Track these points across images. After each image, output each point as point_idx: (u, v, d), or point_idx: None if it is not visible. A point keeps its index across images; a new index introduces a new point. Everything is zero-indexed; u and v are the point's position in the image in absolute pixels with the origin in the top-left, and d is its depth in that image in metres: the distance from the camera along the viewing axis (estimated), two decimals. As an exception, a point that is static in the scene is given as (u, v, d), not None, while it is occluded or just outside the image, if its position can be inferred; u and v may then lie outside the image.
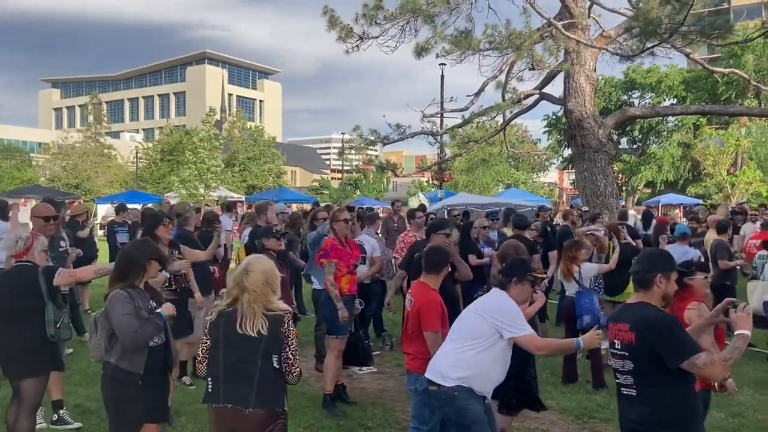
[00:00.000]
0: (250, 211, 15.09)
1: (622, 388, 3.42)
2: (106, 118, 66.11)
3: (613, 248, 8.47)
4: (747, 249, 10.64)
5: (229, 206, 15.27)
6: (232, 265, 9.72)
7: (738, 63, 34.93)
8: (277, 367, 3.45)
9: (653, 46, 12.42)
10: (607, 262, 8.28)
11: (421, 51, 14.49)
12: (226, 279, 8.13)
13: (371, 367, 7.65)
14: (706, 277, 4.62)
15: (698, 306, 4.32)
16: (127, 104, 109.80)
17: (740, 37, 18.03)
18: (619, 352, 3.39)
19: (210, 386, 3.51)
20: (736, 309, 3.40)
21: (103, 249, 12.56)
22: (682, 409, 3.28)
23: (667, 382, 3.23)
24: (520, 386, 4.69)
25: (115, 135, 78.85)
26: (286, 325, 3.48)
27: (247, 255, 8.57)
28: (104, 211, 27.75)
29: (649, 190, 45.49)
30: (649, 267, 3.45)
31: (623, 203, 31.78)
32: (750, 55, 37.31)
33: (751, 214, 15.74)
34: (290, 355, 3.48)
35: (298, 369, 3.53)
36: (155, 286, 4.46)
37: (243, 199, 37.27)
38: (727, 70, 18.86)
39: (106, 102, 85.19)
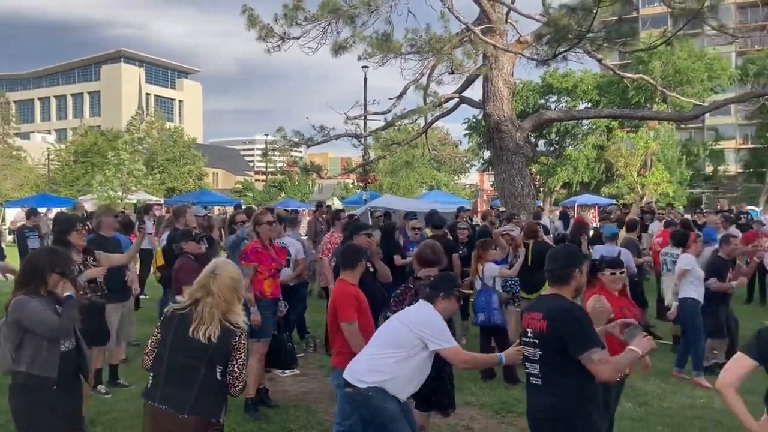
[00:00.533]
0: (168, 214, 14.76)
1: (531, 378, 3.55)
2: (14, 119, 63.01)
3: (532, 251, 8.68)
4: (653, 246, 11.24)
5: (146, 209, 14.88)
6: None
7: (646, 69, 36.63)
8: (220, 378, 3.41)
9: (564, 51, 12.92)
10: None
11: (338, 49, 14.53)
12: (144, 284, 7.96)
13: (294, 370, 7.62)
14: (614, 273, 4.80)
15: (598, 298, 4.55)
16: (37, 104, 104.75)
17: (645, 44, 18.99)
18: (530, 340, 3.52)
19: (150, 382, 3.47)
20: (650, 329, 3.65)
21: (12, 255, 11.99)
22: (584, 399, 3.40)
23: (572, 372, 3.35)
24: (437, 386, 4.79)
25: (25, 136, 75.22)
26: (238, 338, 3.45)
27: (165, 259, 8.41)
28: (13, 215, 26.44)
29: (565, 191, 47.07)
30: (567, 263, 3.61)
31: (541, 204, 32.83)
32: (657, 61, 39.24)
33: (659, 213, 16.56)
34: (236, 369, 3.46)
35: (242, 383, 3.51)
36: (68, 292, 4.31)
37: (162, 202, 36.29)
38: (636, 75, 19.78)
39: (15, 101, 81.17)
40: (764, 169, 48.88)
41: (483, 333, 7.79)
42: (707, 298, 7.70)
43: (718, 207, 20.86)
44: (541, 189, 45.59)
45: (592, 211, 35.89)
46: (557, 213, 22.59)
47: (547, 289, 3.73)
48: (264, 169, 72.04)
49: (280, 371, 7.46)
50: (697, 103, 21.70)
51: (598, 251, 8.68)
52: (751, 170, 52.38)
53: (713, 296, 7.80)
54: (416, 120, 17.90)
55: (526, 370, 3.60)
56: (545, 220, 14.75)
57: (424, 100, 16.04)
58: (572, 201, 35.72)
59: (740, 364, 3.16)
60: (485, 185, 65.63)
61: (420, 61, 14.88)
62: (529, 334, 3.54)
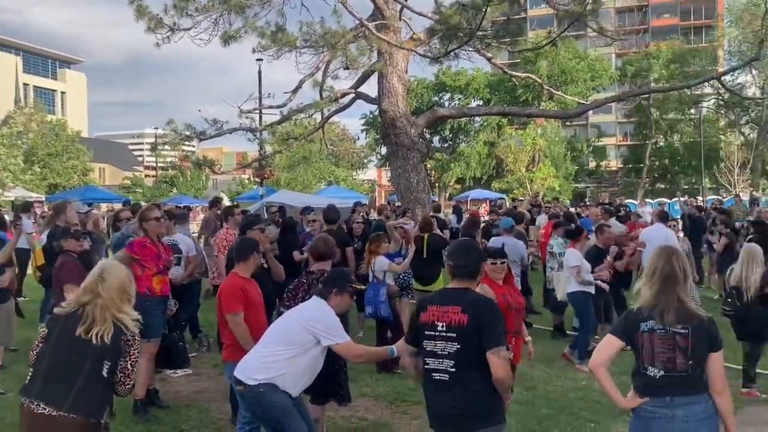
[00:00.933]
0: (49, 211, 13.95)
1: (433, 374, 3.42)
2: None
3: (427, 243, 8.87)
4: (539, 238, 11.77)
5: (25, 207, 14.00)
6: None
7: (534, 68, 38.21)
8: (106, 376, 3.28)
9: (455, 49, 13.28)
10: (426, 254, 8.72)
11: (228, 39, 14.22)
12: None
13: (187, 370, 7.43)
14: (494, 263, 4.95)
15: (482, 286, 4.72)
16: None
17: (532, 44, 19.81)
18: (444, 334, 3.38)
19: (29, 378, 3.31)
20: None
21: None
22: (496, 392, 3.43)
23: (488, 367, 3.34)
24: (330, 377, 4.82)
25: None
26: (131, 336, 3.34)
27: (45, 258, 7.96)
28: None
29: (459, 186, 48.41)
30: (477, 258, 3.67)
31: (436, 198, 33.55)
32: (544, 61, 41.02)
33: (545, 207, 17.35)
34: (129, 366, 3.36)
35: (132, 382, 3.41)
36: None
37: (43, 198, 34.26)
38: (524, 74, 20.62)
39: None
40: (641, 165, 52.19)
41: (379, 325, 7.90)
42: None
43: (600, 200, 22.12)
44: (437, 184, 46.66)
45: (484, 205, 37.08)
46: (450, 208, 23.19)
47: (450, 283, 3.65)
48: (154, 164, 69.55)
49: (171, 371, 7.25)
50: (581, 101, 22.90)
51: (494, 242, 9.07)
52: (630, 165, 55.80)
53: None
54: (313, 115, 17.86)
55: (427, 366, 3.47)
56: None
57: (320, 95, 16.02)
58: (465, 196, 36.76)
59: (610, 345, 3.38)
60: (383, 180, 66.41)
61: (315, 55, 14.87)
62: (440, 328, 3.40)
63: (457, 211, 17.05)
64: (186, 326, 8.63)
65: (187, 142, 20.54)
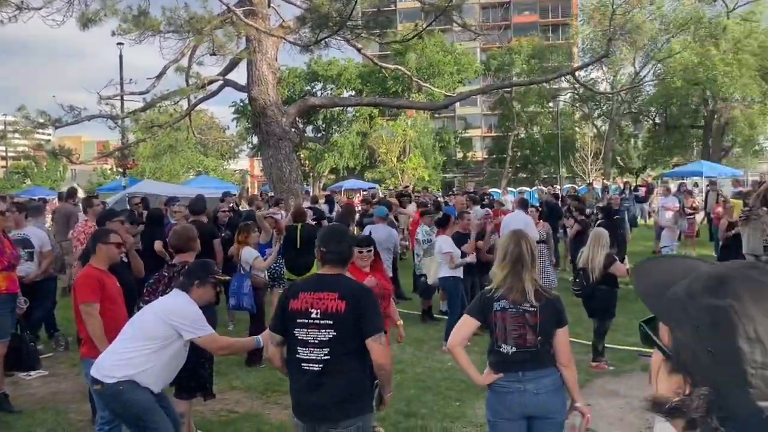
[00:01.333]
0: None
1: (303, 364, 3.33)
2: None
3: (300, 233, 8.84)
4: (409, 226, 12.09)
5: None
6: None
7: (403, 60, 38.94)
8: None
9: (325, 38, 13.27)
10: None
11: (87, 22, 13.40)
12: None
13: (41, 371, 6.99)
14: (361, 251, 5.03)
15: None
16: None
17: (401, 36, 20.21)
18: (318, 322, 3.30)
19: None
20: None
21: None
22: (368, 381, 3.48)
23: (363, 354, 3.34)
24: (196, 370, 4.72)
25: None
26: None
27: None
28: None
29: (333, 176, 48.54)
30: (349, 244, 3.63)
31: (310, 189, 33.50)
32: (413, 54, 41.90)
33: (414, 196, 17.82)
34: None
35: None
36: None
37: None
38: (393, 66, 20.87)
39: None
40: (505, 156, 54.71)
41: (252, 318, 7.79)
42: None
43: (466, 189, 23.00)
44: (310, 174, 46.56)
45: (358, 195, 37.42)
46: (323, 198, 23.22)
47: (321, 269, 3.58)
48: (4, 154, 64.32)
49: (24, 373, 6.80)
50: (447, 93, 23.63)
51: (367, 230, 9.25)
52: (495, 156, 58.31)
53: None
54: (178, 102, 17.19)
55: (297, 355, 3.36)
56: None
57: (186, 82, 15.48)
58: (339, 186, 36.93)
59: (466, 325, 3.56)
60: (255, 171, 65.33)
61: (180, 40, 14.30)
62: (314, 315, 3.30)
63: (330, 201, 17.09)
64: (41, 325, 8.12)
65: (40, 130, 19.20)
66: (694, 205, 16.62)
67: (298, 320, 3.34)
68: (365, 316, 3.28)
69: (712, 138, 41.21)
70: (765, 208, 9.17)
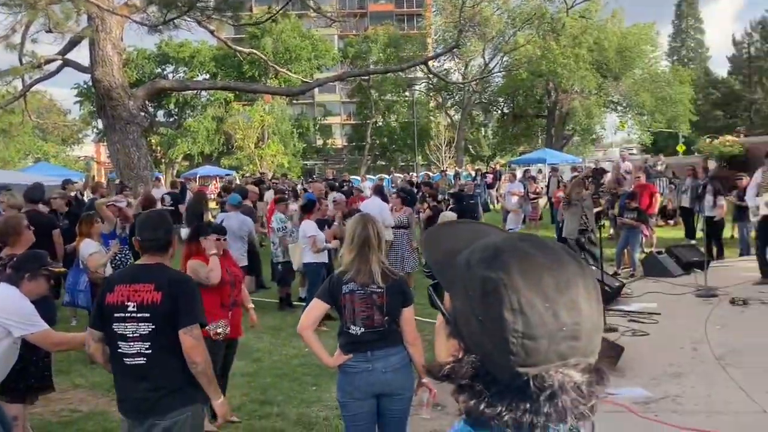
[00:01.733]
0: None
1: (125, 359, 3.19)
2: None
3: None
4: (265, 214, 11.96)
5: None
6: None
7: (258, 45, 38.26)
8: None
9: (173, 19, 12.78)
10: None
11: None
12: None
13: None
14: (219, 239, 5.06)
15: (200, 263, 4.74)
16: None
17: (256, 19, 19.85)
18: (135, 315, 3.17)
19: None
20: None
21: None
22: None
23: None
24: (26, 369, 4.39)
25: None
26: None
27: None
28: None
29: (187, 162, 46.84)
30: (167, 230, 3.42)
31: (161, 175, 32.10)
32: (269, 38, 41.28)
33: (272, 183, 17.64)
34: None
35: None
36: None
37: None
38: (248, 50, 20.51)
39: None
40: (364, 143, 55.41)
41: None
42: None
43: (326, 176, 23.11)
44: (162, 160, 44.61)
45: (215, 182, 36.47)
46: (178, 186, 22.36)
47: (141, 259, 3.42)
48: None
49: None
50: (305, 80, 23.56)
51: (220, 218, 9.09)
52: (354, 144, 58.92)
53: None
54: (11, 82, 15.93)
55: (119, 350, 3.20)
56: (161, 191, 14.46)
57: (20, 60, 14.34)
58: (194, 173, 35.77)
59: (316, 308, 3.60)
60: (102, 157, 61.58)
61: (11, 15, 13.18)
62: (131, 308, 3.16)
63: (182, 189, 16.49)
64: None
65: None
66: (537, 190, 17.80)
67: (116, 314, 3.20)
68: (182, 306, 3.19)
69: (555, 127, 44.04)
70: (586, 191, 10.09)
